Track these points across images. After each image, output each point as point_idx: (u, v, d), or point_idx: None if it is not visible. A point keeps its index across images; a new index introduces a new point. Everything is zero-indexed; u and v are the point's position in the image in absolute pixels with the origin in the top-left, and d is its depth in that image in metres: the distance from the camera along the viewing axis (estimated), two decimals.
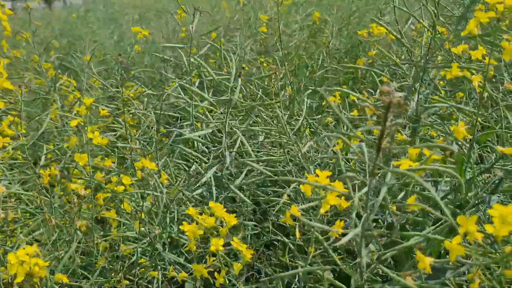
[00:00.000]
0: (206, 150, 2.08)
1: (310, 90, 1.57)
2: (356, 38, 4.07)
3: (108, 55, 4.92)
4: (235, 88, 1.40)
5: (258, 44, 4.06)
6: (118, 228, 1.81)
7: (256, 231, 2.03)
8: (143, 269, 1.82)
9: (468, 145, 1.18)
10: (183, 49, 2.05)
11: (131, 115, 1.99)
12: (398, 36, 1.27)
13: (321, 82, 3.63)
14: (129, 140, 2.00)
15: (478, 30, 1.03)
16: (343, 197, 0.95)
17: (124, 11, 6.83)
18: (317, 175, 0.96)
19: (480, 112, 1.06)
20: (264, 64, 3.30)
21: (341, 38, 4.14)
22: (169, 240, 1.88)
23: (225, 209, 1.13)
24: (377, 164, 0.75)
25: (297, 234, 1.02)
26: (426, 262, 0.80)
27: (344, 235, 0.78)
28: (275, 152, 1.66)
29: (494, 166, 1.13)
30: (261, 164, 1.62)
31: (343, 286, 0.94)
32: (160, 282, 1.77)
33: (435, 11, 1.20)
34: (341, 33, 4.20)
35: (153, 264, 1.80)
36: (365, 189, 0.87)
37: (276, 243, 2.05)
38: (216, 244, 1.07)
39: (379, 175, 0.81)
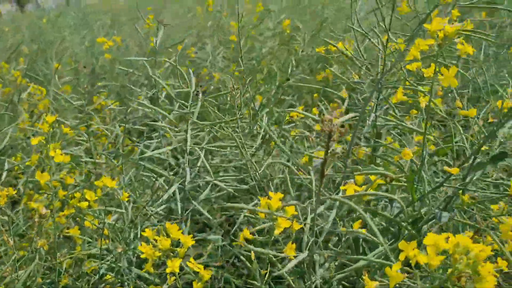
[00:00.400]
0: (173, 163, 2.08)
1: (266, 110, 1.57)
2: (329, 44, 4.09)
3: (78, 61, 4.85)
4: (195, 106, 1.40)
5: (230, 51, 4.07)
6: (83, 245, 1.79)
7: (225, 243, 2.03)
8: (108, 286, 1.80)
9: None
10: (149, 62, 2.05)
11: (95, 130, 1.97)
12: (354, 53, 1.29)
13: (293, 91, 3.66)
14: (95, 155, 1.98)
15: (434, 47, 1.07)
16: (294, 220, 0.97)
17: (97, 16, 6.75)
18: (270, 198, 0.97)
19: (427, 132, 1.09)
20: (236, 73, 3.30)
21: (313, 45, 4.17)
22: (135, 256, 1.87)
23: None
24: (321, 191, 0.76)
25: (252, 256, 1.02)
26: (371, 285, 0.81)
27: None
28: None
29: (444, 184, 1.16)
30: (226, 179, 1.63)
31: None
32: None
33: (387, 29, 1.22)
34: (314, 40, 4.24)
35: (119, 281, 1.78)
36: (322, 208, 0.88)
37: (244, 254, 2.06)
38: (172, 266, 1.07)
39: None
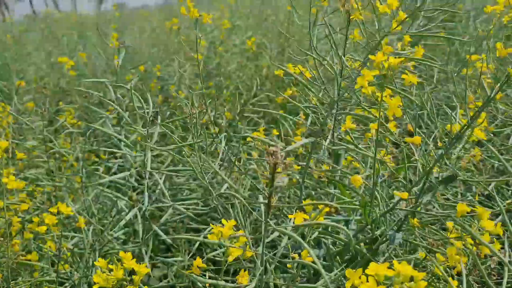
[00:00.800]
0: (136, 184, 2.06)
1: (224, 134, 1.58)
2: (295, 61, 4.16)
3: (45, 78, 4.77)
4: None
5: (196, 68, 4.07)
6: (41, 271, 1.75)
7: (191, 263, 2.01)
8: None
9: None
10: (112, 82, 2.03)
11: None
12: (309, 78, 1.32)
13: (259, 107, 3.68)
14: (54, 176, 1.95)
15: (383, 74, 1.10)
16: (247, 247, 0.97)
17: (63, 31, 6.66)
18: (223, 225, 0.98)
19: (377, 156, 1.12)
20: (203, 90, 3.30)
21: (280, 62, 4.22)
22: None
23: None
24: (267, 222, 0.77)
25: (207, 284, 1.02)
26: None
27: None
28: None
29: (396, 207, 1.19)
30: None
31: None
32: None
33: (340, 56, 1.26)
34: (281, 57, 4.30)
35: None
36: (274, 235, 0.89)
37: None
38: None
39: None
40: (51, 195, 1.98)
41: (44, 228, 1.67)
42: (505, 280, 0.81)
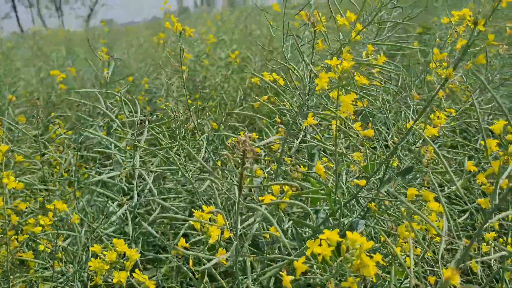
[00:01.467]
0: (126, 188, 2.19)
1: (204, 135, 1.73)
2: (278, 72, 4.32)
3: (33, 93, 4.89)
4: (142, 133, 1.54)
5: (184, 80, 4.21)
6: (36, 269, 1.86)
7: (180, 263, 2.13)
8: None
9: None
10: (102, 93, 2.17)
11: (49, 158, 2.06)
12: (281, 83, 1.48)
13: (244, 117, 3.83)
14: (48, 182, 2.07)
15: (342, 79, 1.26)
16: (226, 230, 1.11)
17: (51, 48, 6.79)
18: (203, 210, 1.12)
19: (341, 151, 1.27)
20: (189, 101, 3.44)
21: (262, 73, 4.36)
22: (89, 277, 1.95)
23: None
24: (240, 202, 0.91)
25: (191, 263, 1.16)
26: (287, 279, 0.97)
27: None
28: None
29: (358, 195, 1.34)
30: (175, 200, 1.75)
31: None
32: None
33: (307, 63, 1.41)
34: (265, 69, 4.47)
35: None
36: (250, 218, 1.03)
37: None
38: (119, 277, 1.18)
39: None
40: (44, 200, 2.10)
41: (39, 228, 1.79)
42: (441, 251, 0.95)
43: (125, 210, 1.65)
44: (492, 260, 1.39)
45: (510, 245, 1.51)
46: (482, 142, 1.14)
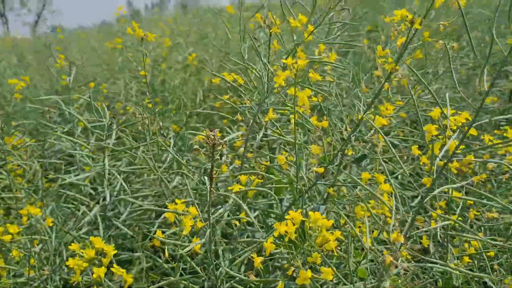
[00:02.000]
0: (93, 192, 2.22)
1: (172, 134, 1.81)
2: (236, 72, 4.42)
3: None
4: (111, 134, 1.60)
5: (142, 85, 4.24)
6: (8, 276, 1.87)
7: (150, 263, 2.19)
8: None
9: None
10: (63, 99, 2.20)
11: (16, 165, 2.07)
12: (241, 83, 1.58)
13: (205, 118, 3.90)
14: (14, 190, 2.08)
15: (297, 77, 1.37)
16: (198, 219, 1.20)
17: (1, 56, 6.60)
18: (176, 203, 1.20)
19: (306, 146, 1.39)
20: (149, 105, 3.49)
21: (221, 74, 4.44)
22: (62, 282, 1.98)
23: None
24: (211, 191, 1.00)
25: (166, 254, 1.24)
26: (257, 260, 1.07)
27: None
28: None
29: (317, 183, 1.46)
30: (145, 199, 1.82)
31: None
32: None
33: (264, 62, 1.52)
34: (222, 70, 4.55)
35: None
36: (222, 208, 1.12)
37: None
38: (97, 272, 1.25)
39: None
40: (10, 208, 2.11)
41: (8, 237, 1.81)
42: (392, 223, 1.08)
43: (95, 213, 1.70)
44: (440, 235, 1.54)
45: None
46: (425, 128, 1.29)
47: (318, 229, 0.98)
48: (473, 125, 1.15)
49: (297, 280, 0.97)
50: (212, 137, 0.98)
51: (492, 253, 1.43)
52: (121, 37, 4.37)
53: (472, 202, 1.60)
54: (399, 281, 0.95)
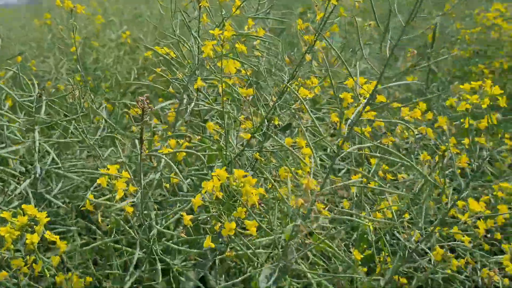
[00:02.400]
0: (23, 169, 2.18)
1: (104, 105, 1.83)
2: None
3: None
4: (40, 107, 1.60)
5: (74, 63, 4.13)
6: None
7: (85, 240, 2.20)
8: None
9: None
10: None
11: None
12: (173, 57, 1.63)
13: (139, 94, 3.87)
14: None
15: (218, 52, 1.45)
16: (130, 184, 1.25)
17: None
18: (108, 169, 1.24)
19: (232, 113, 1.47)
20: (81, 83, 3.42)
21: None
22: None
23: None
24: (141, 153, 1.06)
25: (99, 218, 1.28)
26: (187, 218, 1.14)
27: None
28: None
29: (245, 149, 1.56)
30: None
31: None
32: None
33: (196, 37, 1.58)
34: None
35: None
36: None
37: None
38: (31, 238, 1.27)
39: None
40: None
41: None
42: (310, 177, 1.19)
43: (25, 187, 1.69)
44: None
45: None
46: (341, 96, 1.41)
47: (242, 185, 1.07)
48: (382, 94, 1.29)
49: (223, 232, 1.05)
50: (142, 101, 1.04)
51: (395, 208, 1.59)
52: (52, 14, 4.22)
53: (386, 167, 1.77)
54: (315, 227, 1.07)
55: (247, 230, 1.13)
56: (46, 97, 1.64)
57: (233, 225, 1.05)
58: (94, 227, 2.09)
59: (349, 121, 1.15)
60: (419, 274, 1.60)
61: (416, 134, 1.46)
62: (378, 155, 1.34)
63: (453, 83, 3.13)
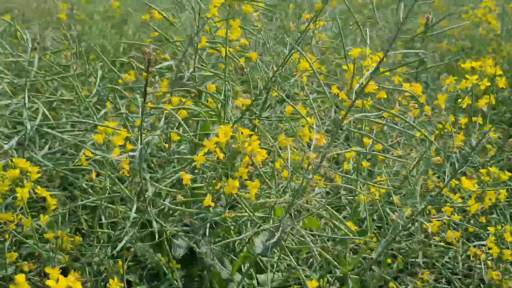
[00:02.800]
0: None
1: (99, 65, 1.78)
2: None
3: None
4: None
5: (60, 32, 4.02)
6: None
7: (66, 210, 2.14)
8: None
9: None
10: None
11: None
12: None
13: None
14: None
15: None
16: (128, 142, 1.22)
17: None
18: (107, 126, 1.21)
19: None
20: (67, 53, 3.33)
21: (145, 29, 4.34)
22: None
23: None
24: (144, 107, 1.04)
25: (93, 175, 1.25)
26: (186, 177, 1.12)
27: None
28: None
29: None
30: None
31: None
32: None
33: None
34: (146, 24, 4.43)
35: None
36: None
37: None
38: (21, 192, 1.23)
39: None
40: None
41: None
42: (312, 145, 1.18)
43: (14, 144, 1.64)
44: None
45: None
46: (344, 67, 1.40)
47: (247, 144, 1.05)
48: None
49: (225, 189, 1.04)
50: (148, 52, 1.01)
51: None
52: None
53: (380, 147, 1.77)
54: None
55: (247, 193, 1.12)
56: (40, 52, 1.58)
57: (237, 183, 1.04)
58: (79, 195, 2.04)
59: (354, 90, 1.14)
60: (413, 247, 1.62)
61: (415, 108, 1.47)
62: (382, 122, 1.34)
63: (442, 75, 3.17)
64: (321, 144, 0.93)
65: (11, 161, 1.27)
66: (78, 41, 1.66)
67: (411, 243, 1.75)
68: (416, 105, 1.43)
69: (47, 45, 3.99)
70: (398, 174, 1.77)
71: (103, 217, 1.55)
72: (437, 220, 1.40)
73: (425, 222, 1.30)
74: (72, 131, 1.89)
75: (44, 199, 1.98)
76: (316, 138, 0.93)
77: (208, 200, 1.07)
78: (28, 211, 1.30)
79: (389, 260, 1.81)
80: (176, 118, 1.03)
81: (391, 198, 1.65)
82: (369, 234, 1.78)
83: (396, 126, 1.34)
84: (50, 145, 1.93)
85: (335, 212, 1.24)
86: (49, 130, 1.67)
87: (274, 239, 1.17)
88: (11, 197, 1.29)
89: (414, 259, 1.78)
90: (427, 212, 1.55)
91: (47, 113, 1.56)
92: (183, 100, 1.28)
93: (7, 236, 1.39)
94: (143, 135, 1.09)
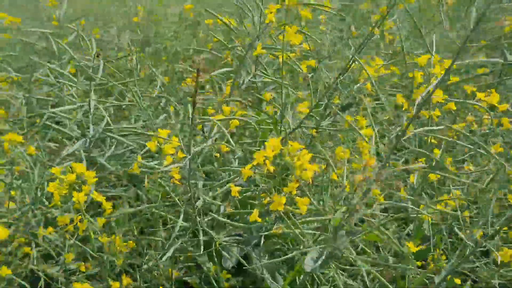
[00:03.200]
0: (79, 132, 2.21)
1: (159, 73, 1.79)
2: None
3: None
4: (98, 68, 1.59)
5: (136, 33, 4.17)
6: None
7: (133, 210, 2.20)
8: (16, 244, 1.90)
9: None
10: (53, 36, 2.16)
11: None
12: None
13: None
14: None
15: None
16: (179, 151, 1.21)
17: None
18: (160, 133, 1.20)
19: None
20: (142, 54, 3.44)
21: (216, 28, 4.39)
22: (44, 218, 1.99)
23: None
24: (193, 116, 1.01)
25: (146, 184, 1.25)
26: (235, 189, 1.08)
27: None
28: None
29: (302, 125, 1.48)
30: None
31: None
32: (34, 258, 1.86)
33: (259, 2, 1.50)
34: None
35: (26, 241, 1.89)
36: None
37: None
38: (77, 196, 1.25)
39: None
40: None
41: None
42: (371, 153, 1.10)
43: (79, 147, 1.70)
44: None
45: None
46: (410, 74, 1.30)
47: (297, 158, 0.99)
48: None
49: (271, 206, 0.99)
50: (198, 62, 0.98)
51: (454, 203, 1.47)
52: None
53: (450, 159, 1.63)
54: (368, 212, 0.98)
55: (297, 208, 1.06)
56: (104, 58, 1.63)
57: (283, 199, 0.98)
58: (144, 196, 2.08)
59: (418, 101, 1.04)
60: (483, 274, 1.47)
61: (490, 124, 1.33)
62: (447, 138, 1.22)
63: None
64: (372, 165, 0.85)
65: (70, 166, 1.31)
66: (141, 46, 1.68)
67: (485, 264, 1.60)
68: (489, 117, 1.29)
69: (123, 46, 4.15)
70: (471, 189, 1.62)
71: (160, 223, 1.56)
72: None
73: (494, 250, 1.16)
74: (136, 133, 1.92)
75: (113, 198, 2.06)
76: (366, 159, 0.86)
77: (254, 215, 1.02)
78: (86, 214, 1.33)
79: (457, 281, 1.66)
80: (223, 131, 0.99)
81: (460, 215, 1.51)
82: (437, 250, 1.65)
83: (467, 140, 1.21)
84: (117, 144, 2.00)
85: (388, 233, 1.14)
86: (111, 134, 1.70)
87: (325, 257, 1.11)
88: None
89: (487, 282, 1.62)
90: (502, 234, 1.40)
91: (109, 120, 1.60)
92: (235, 109, 1.24)
93: (68, 236, 1.44)
94: (192, 145, 1.06)
